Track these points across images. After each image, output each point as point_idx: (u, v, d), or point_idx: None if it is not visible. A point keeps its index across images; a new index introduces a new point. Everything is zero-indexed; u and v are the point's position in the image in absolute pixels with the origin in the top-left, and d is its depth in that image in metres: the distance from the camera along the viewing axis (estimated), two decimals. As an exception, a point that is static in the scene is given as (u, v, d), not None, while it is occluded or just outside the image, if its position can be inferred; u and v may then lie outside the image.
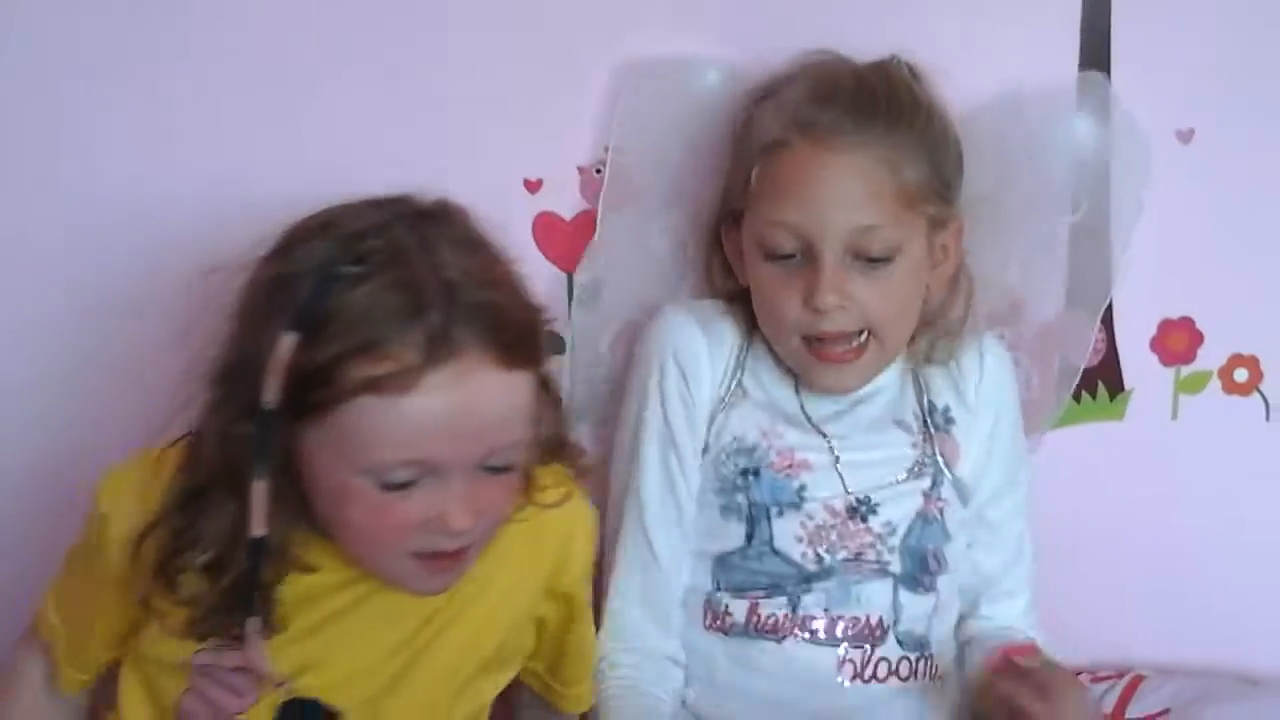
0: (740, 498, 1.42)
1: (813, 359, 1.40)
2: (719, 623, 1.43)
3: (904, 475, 1.44)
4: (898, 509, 1.43)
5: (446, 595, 1.20)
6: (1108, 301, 1.57)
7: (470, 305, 1.08)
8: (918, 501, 1.43)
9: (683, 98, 1.50)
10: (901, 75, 1.40)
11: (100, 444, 1.32)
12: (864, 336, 1.38)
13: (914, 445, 1.45)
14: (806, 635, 1.40)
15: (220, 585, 1.12)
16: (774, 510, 1.41)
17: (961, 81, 1.45)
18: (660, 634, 1.43)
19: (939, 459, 1.45)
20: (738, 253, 1.43)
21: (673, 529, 1.44)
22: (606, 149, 1.51)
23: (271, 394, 1.07)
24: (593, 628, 1.40)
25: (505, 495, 1.15)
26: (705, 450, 1.44)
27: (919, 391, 1.46)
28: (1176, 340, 1.62)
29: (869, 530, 1.42)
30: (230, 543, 1.11)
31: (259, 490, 1.10)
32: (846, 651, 1.41)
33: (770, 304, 1.40)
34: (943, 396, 1.46)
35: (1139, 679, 1.61)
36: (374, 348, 1.05)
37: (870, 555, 1.42)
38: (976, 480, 1.46)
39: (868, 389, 1.44)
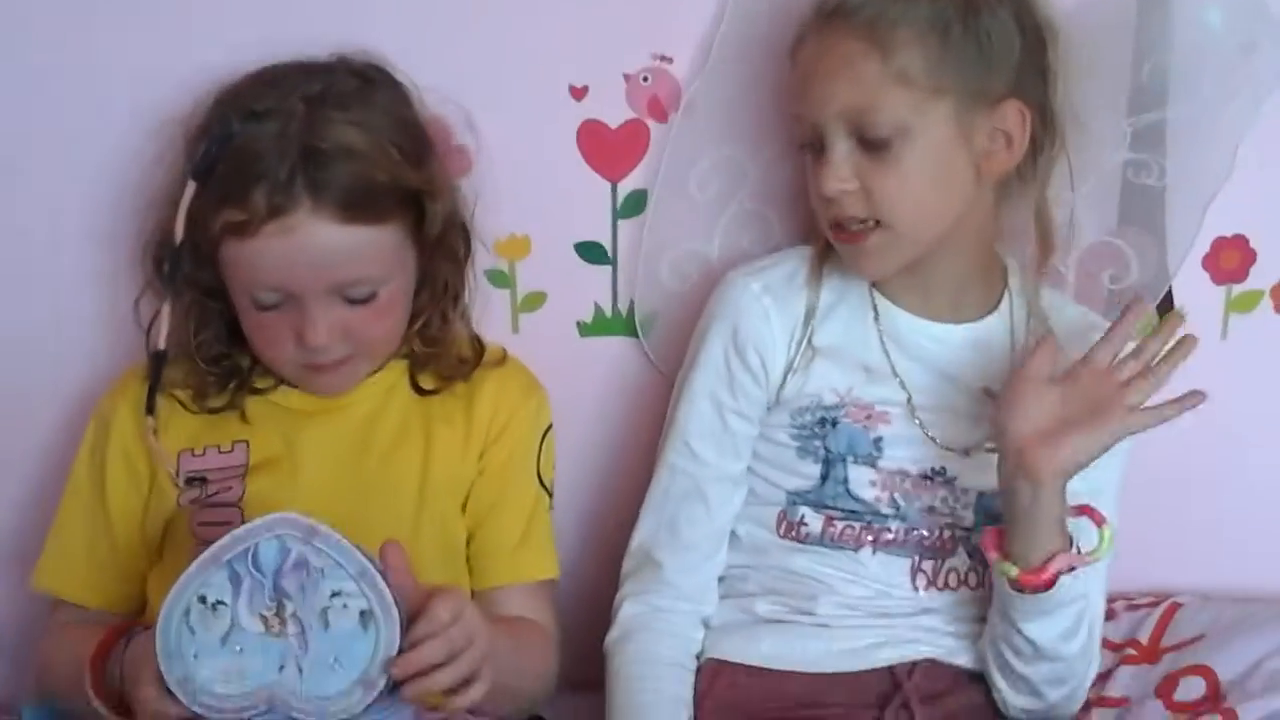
0: (817, 443, 1.41)
1: (838, 242, 1.38)
2: (794, 532, 1.42)
3: (982, 440, 1.40)
4: (974, 479, 1.41)
5: (389, 432, 1.41)
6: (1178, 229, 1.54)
7: (316, 169, 1.28)
8: (994, 477, 1.38)
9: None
10: None
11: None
12: (871, 223, 1.34)
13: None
14: (881, 545, 1.41)
15: (196, 362, 1.40)
16: (850, 458, 1.41)
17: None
18: (687, 584, 1.43)
19: None
20: None
21: (728, 495, 1.43)
22: (654, 56, 1.47)
23: (179, 231, 1.32)
24: (529, 502, 1.44)
25: (374, 319, 1.35)
26: (774, 405, 1.42)
27: (1014, 360, 1.41)
28: (1229, 258, 1.58)
29: (944, 489, 1.41)
30: (184, 345, 1.39)
31: (164, 310, 1.36)
32: (919, 560, 1.42)
33: (811, 197, 1.39)
34: None
35: (1176, 605, 1.60)
36: (231, 199, 1.28)
37: (944, 510, 1.42)
38: None
39: (962, 339, 1.41)
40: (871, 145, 1.32)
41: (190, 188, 1.31)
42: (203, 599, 1.15)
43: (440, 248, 1.39)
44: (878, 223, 1.34)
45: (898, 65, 1.30)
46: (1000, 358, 1.42)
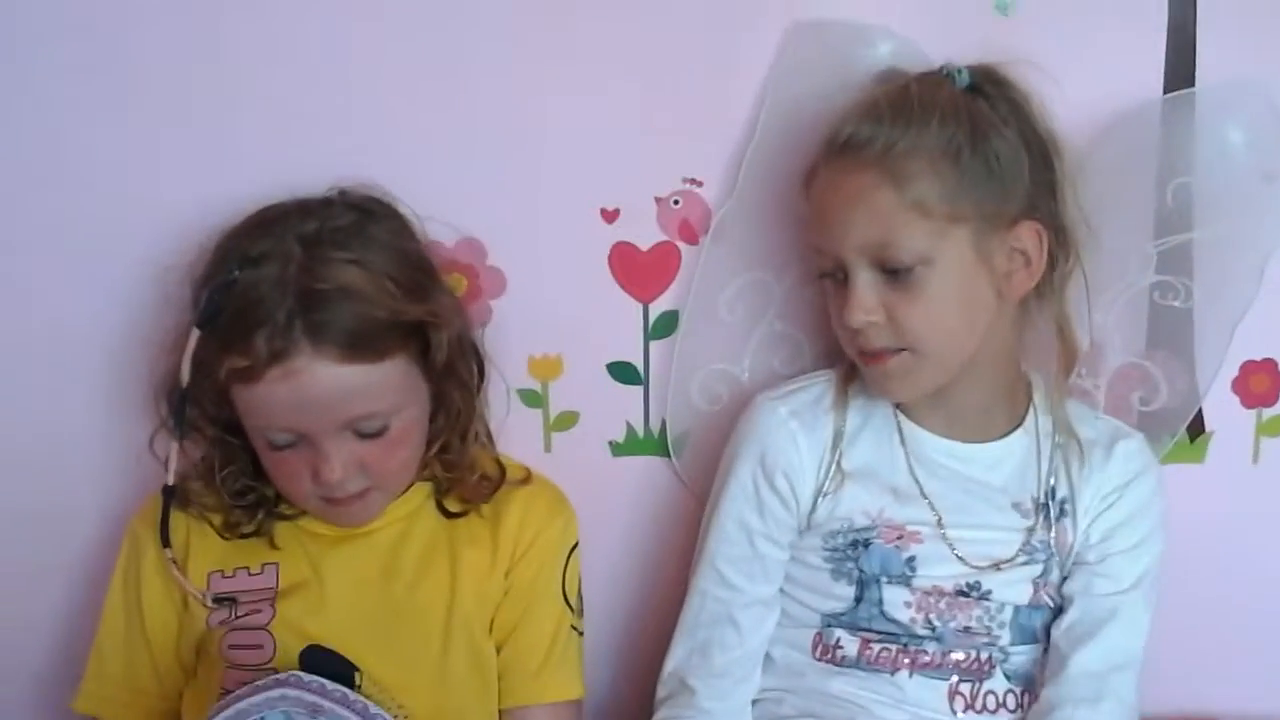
0: (850, 565, 1.40)
1: (868, 369, 1.37)
2: (829, 655, 1.41)
3: (1013, 554, 1.40)
4: (1008, 593, 1.40)
5: (415, 555, 1.40)
6: (1207, 351, 1.54)
7: (314, 311, 1.28)
8: (1028, 590, 1.40)
9: (847, 65, 1.45)
10: (929, 83, 1.35)
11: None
12: (897, 349, 1.34)
13: (1028, 530, 1.41)
14: (919, 668, 1.40)
15: (222, 495, 1.40)
16: (884, 579, 1.40)
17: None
18: (720, 710, 1.41)
19: (1051, 546, 1.41)
20: None
21: (759, 619, 1.42)
22: (685, 180, 1.49)
23: (185, 376, 1.32)
24: (553, 621, 1.43)
25: (388, 452, 1.34)
26: (805, 530, 1.42)
27: (1040, 474, 1.42)
28: (1259, 382, 1.57)
29: (979, 607, 1.40)
30: (210, 478, 1.40)
31: (173, 450, 1.37)
32: (957, 683, 1.40)
33: (834, 325, 1.38)
34: (1065, 485, 1.42)
35: (1215, 729, 1.57)
36: (234, 345, 1.28)
37: (980, 629, 1.41)
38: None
39: (989, 458, 1.41)
40: (894, 274, 1.32)
41: (194, 335, 1.32)
42: None
43: (449, 374, 1.38)
44: (904, 349, 1.34)
45: (913, 195, 1.30)
46: (1028, 473, 1.42)
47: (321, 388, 1.28)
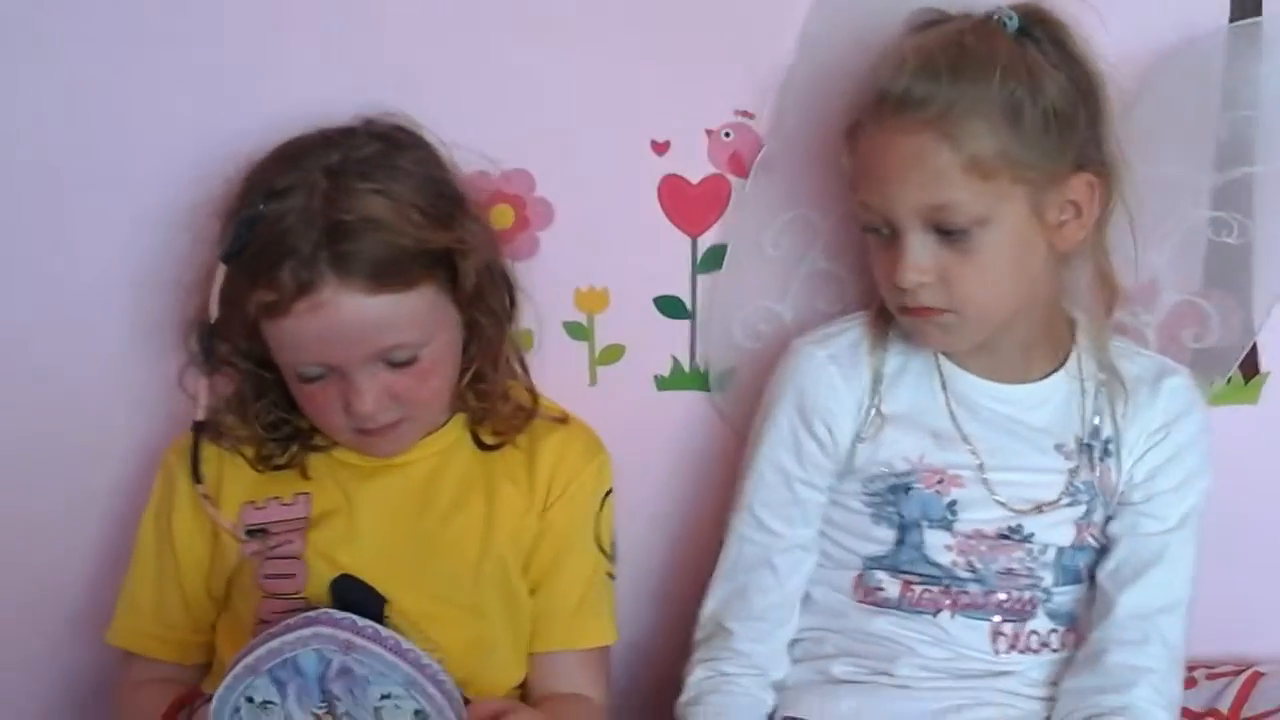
0: (890, 509, 1.38)
1: (909, 320, 1.35)
2: (871, 597, 1.40)
3: (1056, 497, 1.38)
4: (1050, 535, 1.39)
5: (451, 490, 1.40)
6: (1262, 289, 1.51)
7: (339, 242, 1.26)
8: (1071, 531, 1.39)
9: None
10: (983, 33, 1.30)
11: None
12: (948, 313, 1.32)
13: (1071, 471, 1.39)
14: (961, 608, 1.39)
15: (256, 428, 1.40)
16: (925, 523, 1.38)
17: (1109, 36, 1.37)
18: (758, 652, 1.41)
19: (1096, 487, 1.39)
20: None
21: (797, 563, 1.41)
22: (736, 112, 1.46)
23: (214, 312, 1.32)
24: (587, 567, 1.42)
25: (419, 382, 1.33)
26: (845, 474, 1.40)
27: (1085, 415, 1.40)
28: (1315, 324, 1.54)
29: (1022, 549, 1.38)
30: (243, 411, 1.40)
31: (201, 385, 1.38)
32: (1000, 622, 1.39)
33: (877, 277, 1.36)
34: (1109, 425, 1.40)
35: (1258, 675, 1.55)
36: (260, 280, 1.28)
37: (1022, 570, 1.39)
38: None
39: (1031, 399, 1.39)
40: (948, 235, 1.29)
41: (221, 270, 1.31)
42: (250, 699, 1.16)
43: (479, 303, 1.37)
44: (950, 310, 1.32)
45: (972, 156, 1.26)
46: (1071, 413, 1.40)
47: (349, 319, 1.28)
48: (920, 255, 1.30)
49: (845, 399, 1.39)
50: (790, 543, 1.41)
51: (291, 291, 1.26)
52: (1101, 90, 1.33)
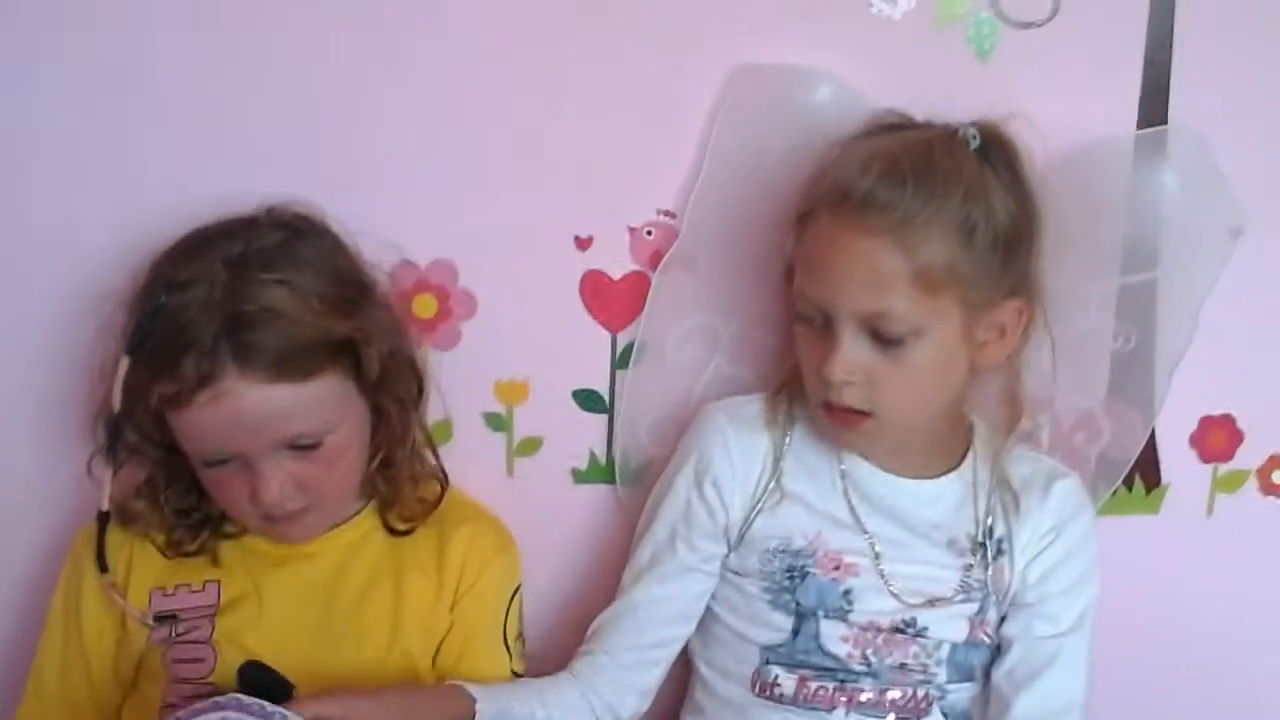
0: (787, 596, 1.38)
1: (827, 421, 1.36)
2: (768, 692, 1.39)
3: (950, 593, 1.39)
4: (944, 630, 1.39)
5: (360, 579, 1.39)
6: (1153, 395, 1.53)
7: (240, 333, 1.26)
8: (964, 627, 1.39)
9: (788, 109, 1.44)
10: (950, 149, 1.31)
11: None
12: (869, 418, 1.33)
13: (965, 568, 1.40)
14: (855, 706, 1.39)
15: (166, 515, 1.39)
16: (821, 612, 1.38)
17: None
18: (599, 680, 1.41)
19: (989, 585, 1.40)
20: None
21: (662, 621, 1.42)
22: (658, 211, 1.47)
23: (117, 403, 1.31)
24: (492, 665, 1.41)
25: (325, 469, 1.33)
26: (738, 544, 1.41)
27: (978, 515, 1.41)
28: (1216, 437, 1.57)
29: (916, 644, 1.39)
30: (154, 497, 1.39)
31: (106, 476, 1.36)
32: None
33: (801, 362, 1.36)
34: (1002, 525, 1.41)
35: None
36: (162, 372, 1.27)
37: (916, 666, 1.39)
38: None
39: (925, 495, 1.40)
40: (883, 340, 1.29)
41: (124, 362, 1.31)
42: None
43: (384, 390, 1.36)
44: (871, 414, 1.33)
45: (921, 268, 1.27)
46: (964, 512, 1.41)
47: (251, 409, 1.27)
48: (852, 354, 1.30)
49: (738, 464, 1.40)
50: (657, 596, 1.42)
51: (193, 382, 1.26)
52: (1041, 219, 1.35)
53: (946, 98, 1.38)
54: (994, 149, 1.33)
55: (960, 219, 1.28)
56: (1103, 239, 1.49)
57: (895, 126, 1.36)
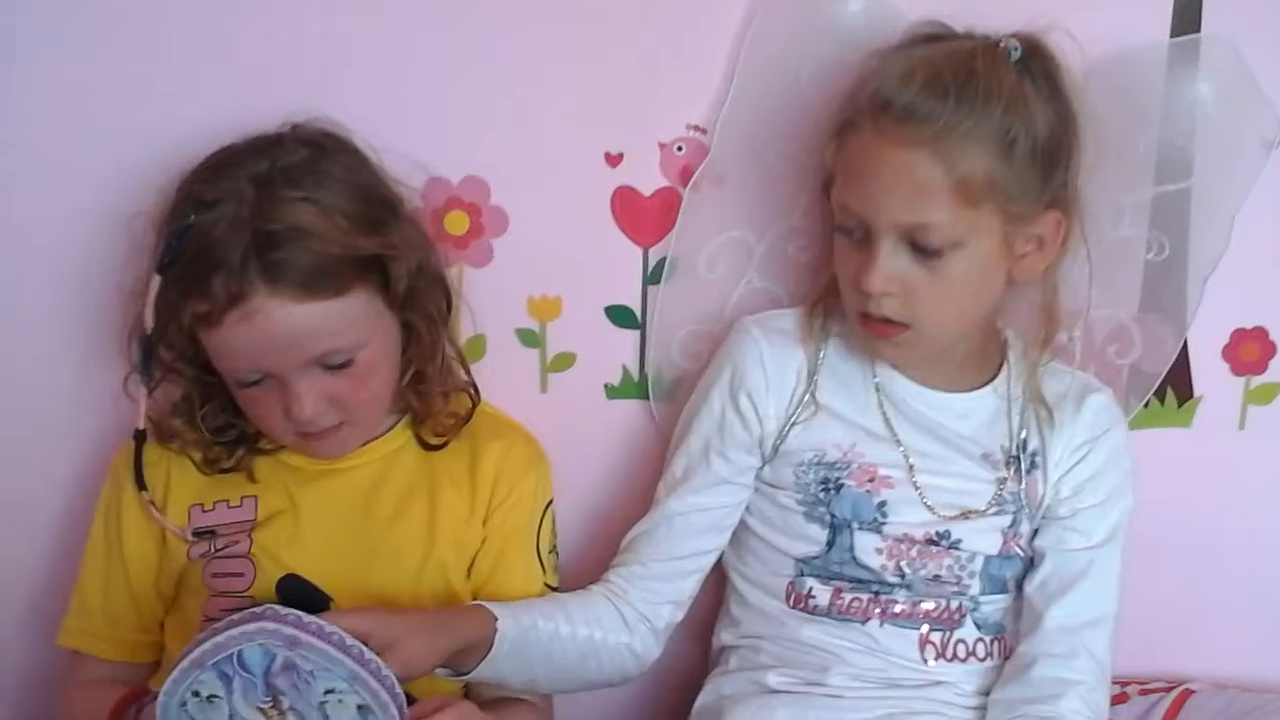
0: (822, 509, 1.39)
1: (864, 331, 1.36)
2: (802, 604, 1.40)
3: (984, 506, 1.40)
4: (977, 543, 1.40)
5: (395, 494, 1.41)
6: (1186, 307, 1.52)
7: (268, 252, 1.26)
8: (997, 540, 1.40)
9: (820, 21, 1.44)
10: (992, 61, 1.29)
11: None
12: (906, 330, 1.33)
13: (999, 481, 1.41)
14: (889, 617, 1.40)
15: (203, 433, 1.40)
16: (855, 524, 1.39)
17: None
18: (634, 593, 1.42)
19: (1022, 498, 1.41)
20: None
21: (696, 531, 1.43)
22: (688, 126, 1.47)
23: (149, 323, 1.32)
24: (526, 578, 1.43)
25: (357, 385, 1.33)
26: (772, 457, 1.41)
27: (1011, 428, 1.42)
28: (1249, 350, 1.56)
29: (949, 556, 1.39)
30: (191, 415, 1.40)
31: (141, 395, 1.38)
32: (928, 632, 1.40)
33: (839, 274, 1.36)
34: (1036, 438, 1.42)
35: (1188, 692, 1.56)
36: (192, 291, 1.28)
37: (950, 577, 1.40)
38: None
39: (959, 408, 1.41)
40: (922, 252, 1.29)
41: (155, 281, 1.31)
42: (196, 694, 1.16)
43: (413, 306, 1.37)
44: (908, 326, 1.33)
45: (962, 180, 1.26)
46: (997, 426, 1.41)
47: (281, 327, 1.28)
48: (891, 265, 1.30)
49: (773, 376, 1.41)
50: (691, 507, 1.43)
51: (223, 302, 1.27)
52: (1081, 131, 1.33)
53: (982, 8, 1.36)
54: (1035, 61, 1.31)
55: (1001, 131, 1.27)
56: (1137, 148, 1.48)
57: (936, 37, 1.35)
